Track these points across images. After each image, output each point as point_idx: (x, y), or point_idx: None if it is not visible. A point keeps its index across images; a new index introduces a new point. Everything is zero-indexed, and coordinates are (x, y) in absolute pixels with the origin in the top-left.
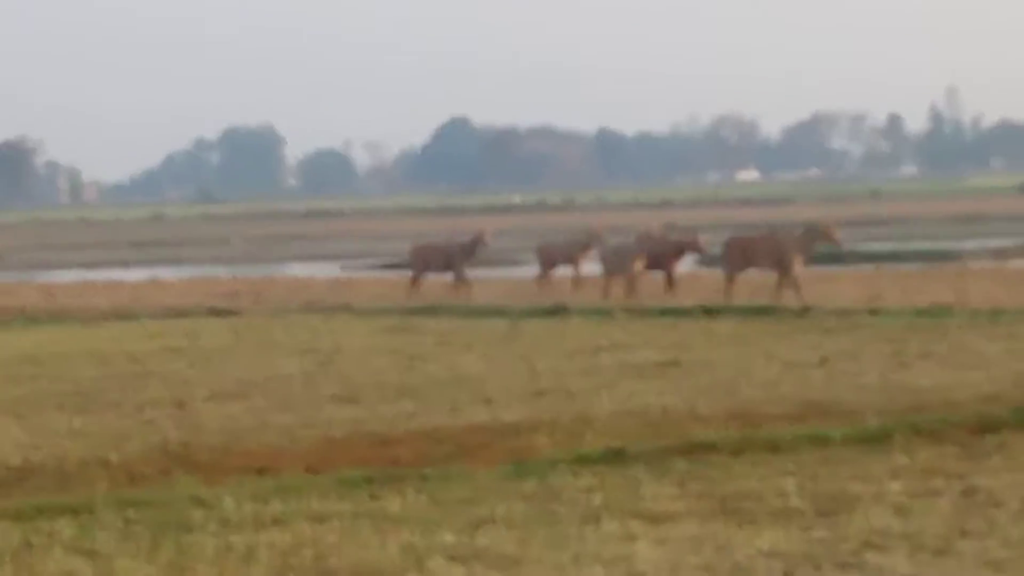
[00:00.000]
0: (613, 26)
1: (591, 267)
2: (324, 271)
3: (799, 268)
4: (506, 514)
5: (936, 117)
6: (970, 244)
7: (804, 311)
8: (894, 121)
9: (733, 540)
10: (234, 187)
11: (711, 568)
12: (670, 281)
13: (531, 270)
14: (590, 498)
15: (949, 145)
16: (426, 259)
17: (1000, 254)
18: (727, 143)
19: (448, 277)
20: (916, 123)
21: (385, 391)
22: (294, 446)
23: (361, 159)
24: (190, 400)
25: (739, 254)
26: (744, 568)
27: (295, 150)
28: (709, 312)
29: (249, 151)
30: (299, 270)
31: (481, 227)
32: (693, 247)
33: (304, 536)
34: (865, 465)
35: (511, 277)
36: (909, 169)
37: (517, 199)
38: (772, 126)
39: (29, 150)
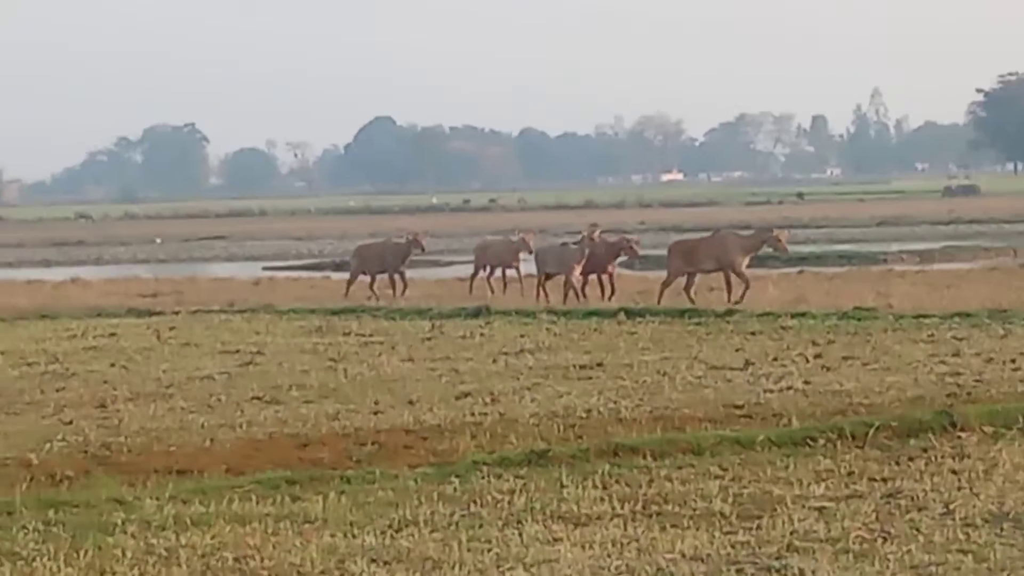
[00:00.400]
0: (538, 29)
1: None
2: (246, 271)
3: (743, 270)
4: (428, 516)
5: (861, 119)
6: (894, 247)
7: (729, 313)
8: (818, 123)
9: (656, 543)
10: (157, 186)
11: (633, 571)
12: (608, 284)
13: (453, 271)
14: (513, 500)
15: (874, 147)
16: (365, 260)
17: (924, 257)
18: (651, 144)
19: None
20: (841, 125)
21: (307, 392)
22: (216, 447)
23: (284, 158)
24: (111, 401)
25: (683, 256)
26: (666, 571)
27: (218, 149)
28: (632, 314)
29: (172, 150)
30: (221, 270)
31: (416, 229)
32: (629, 250)
33: (225, 538)
34: (788, 468)
35: (434, 278)
36: (834, 171)
37: (434, 200)
38: (697, 128)
39: None
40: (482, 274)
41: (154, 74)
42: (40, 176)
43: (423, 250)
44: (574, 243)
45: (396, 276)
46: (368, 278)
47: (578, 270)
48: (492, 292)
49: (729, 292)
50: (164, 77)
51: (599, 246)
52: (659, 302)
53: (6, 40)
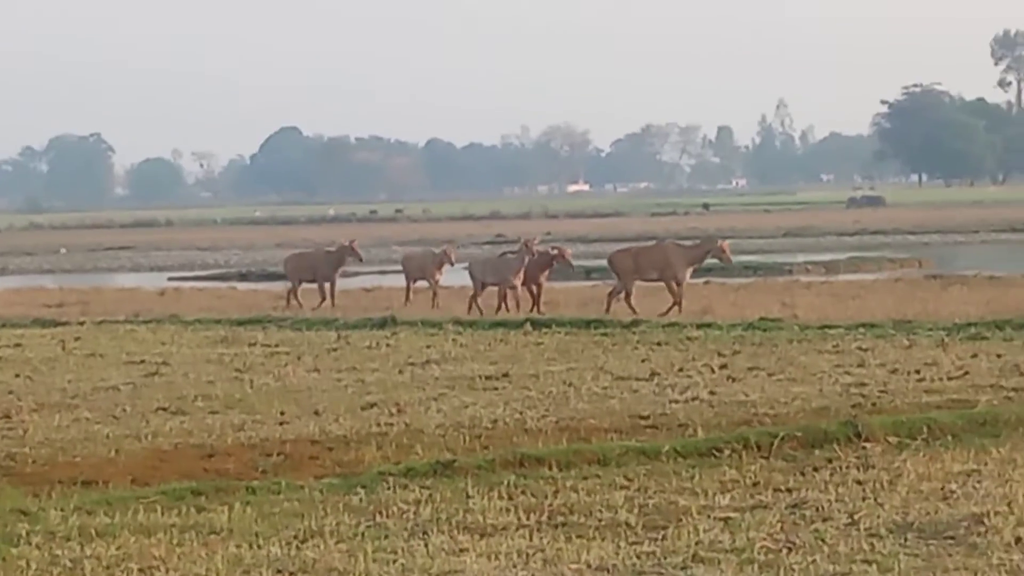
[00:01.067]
0: (445, 39)
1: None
2: (152, 281)
3: (685, 279)
4: (334, 527)
5: (766, 130)
6: (800, 258)
7: (634, 324)
8: (724, 134)
9: (562, 553)
10: (62, 196)
11: None
12: (538, 294)
13: (359, 281)
14: (419, 511)
15: (779, 158)
16: (297, 268)
17: (829, 268)
18: (558, 155)
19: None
20: (746, 136)
21: (213, 403)
22: (121, 458)
23: (190, 168)
24: (15, 411)
25: (627, 265)
26: None
27: (124, 159)
28: (538, 325)
29: (77, 160)
30: (127, 280)
31: (351, 237)
32: (562, 260)
33: (130, 549)
34: (694, 478)
35: (340, 288)
36: (740, 182)
37: (331, 211)
38: (603, 138)
39: None
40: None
41: (60, 83)
42: None
43: (360, 259)
44: (511, 253)
45: (327, 285)
46: (299, 286)
47: (519, 280)
48: (407, 302)
49: (675, 302)
50: (70, 86)
51: (517, 259)
52: (607, 311)
53: None
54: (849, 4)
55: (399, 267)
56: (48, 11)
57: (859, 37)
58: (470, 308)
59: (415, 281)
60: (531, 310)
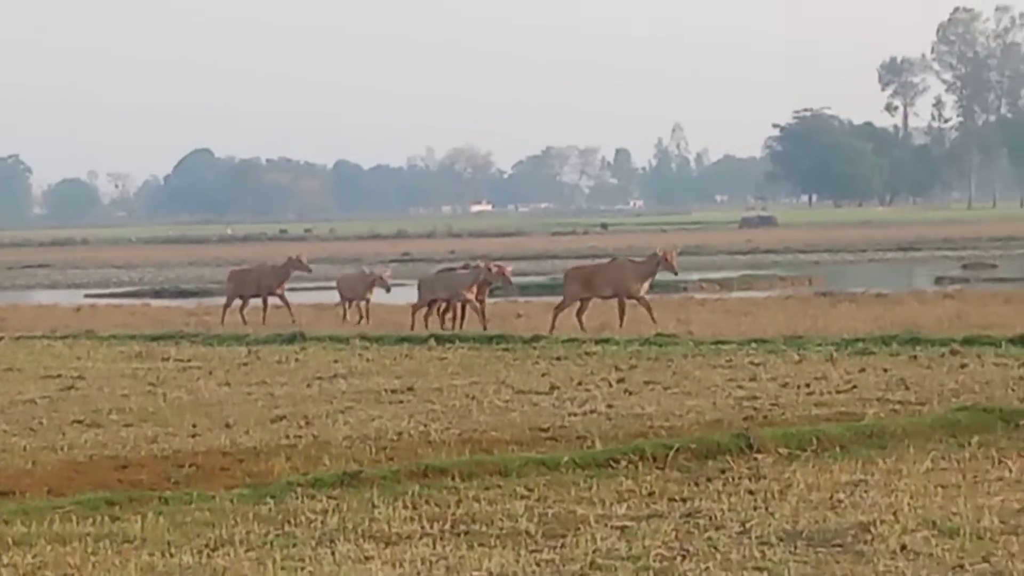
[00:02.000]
0: (353, 62)
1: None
2: (69, 298)
3: (642, 294)
4: (244, 536)
5: (662, 153)
6: (694, 275)
7: (535, 339)
8: (622, 156)
9: (464, 561)
10: None
11: None
12: (482, 311)
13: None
14: (326, 520)
15: (675, 180)
16: (241, 284)
17: (723, 285)
18: (461, 176)
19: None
20: (643, 158)
21: (127, 416)
22: (37, 469)
23: (106, 189)
24: None
25: (581, 282)
26: None
27: (41, 180)
28: (441, 340)
29: None
30: (44, 297)
31: (298, 252)
32: (503, 277)
33: (47, 557)
34: (592, 489)
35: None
36: (637, 203)
37: (229, 231)
38: (505, 160)
39: None
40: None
41: None
42: None
43: (308, 270)
44: (462, 268)
45: (277, 298)
46: (244, 301)
47: (471, 294)
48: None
49: (622, 318)
50: None
51: (471, 274)
52: (552, 329)
53: None
54: (742, 30)
55: (308, 284)
56: None
57: (752, 63)
58: (413, 324)
59: (349, 303)
60: (459, 326)
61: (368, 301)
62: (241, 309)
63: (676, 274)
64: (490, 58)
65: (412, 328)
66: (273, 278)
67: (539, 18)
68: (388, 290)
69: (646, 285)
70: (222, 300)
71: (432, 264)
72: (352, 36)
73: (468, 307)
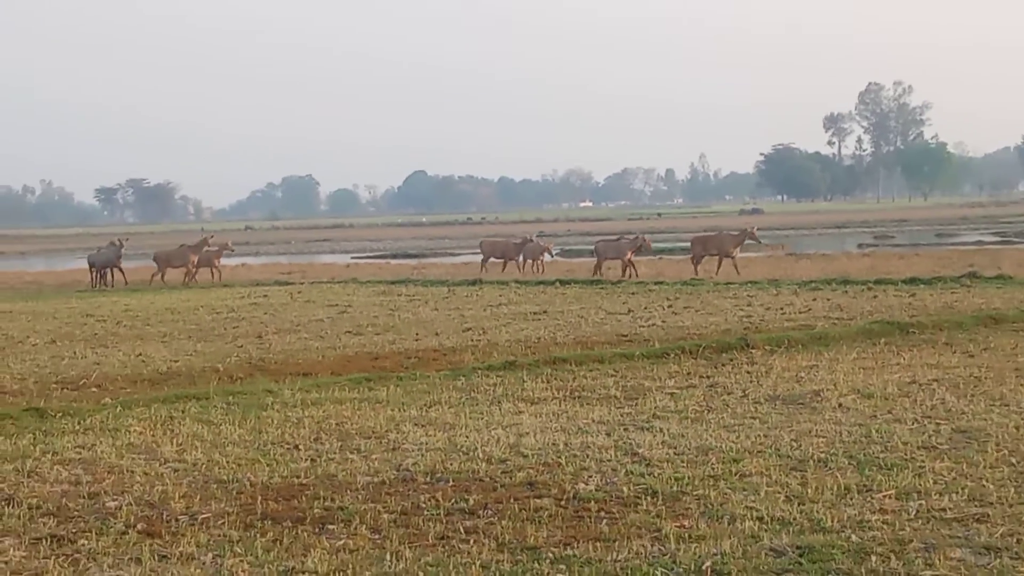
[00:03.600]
0: (503, 114)
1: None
2: (341, 260)
3: (735, 255)
4: (447, 398)
5: (694, 170)
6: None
7: (619, 282)
8: (669, 173)
9: (578, 413)
10: (291, 211)
11: (565, 429)
12: (634, 266)
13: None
14: (495, 390)
15: (701, 187)
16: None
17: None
18: (574, 185)
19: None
20: (682, 174)
21: (377, 327)
22: (325, 360)
23: (363, 194)
24: (264, 333)
25: (700, 245)
26: (583, 429)
27: (325, 189)
28: (564, 283)
29: (301, 190)
30: (327, 259)
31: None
32: (646, 244)
33: (330, 411)
34: (653, 370)
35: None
36: (679, 201)
37: (424, 219)
38: (600, 175)
39: None
40: (493, 260)
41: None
42: None
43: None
44: (625, 238)
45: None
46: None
47: (630, 255)
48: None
49: (737, 270)
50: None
51: (630, 242)
52: (695, 274)
53: None
54: (742, 95)
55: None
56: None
57: (746, 115)
58: (595, 273)
59: (531, 260)
60: (632, 275)
61: (512, 259)
62: (485, 266)
63: (759, 243)
64: (592, 107)
65: (597, 273)
66: (515, 250)
67: (611, 79)
68: (552, 255)
69: (738, 250)
70: (434, 260)
71: (558, 239)
72: (500, 93)
73: (629, 264)
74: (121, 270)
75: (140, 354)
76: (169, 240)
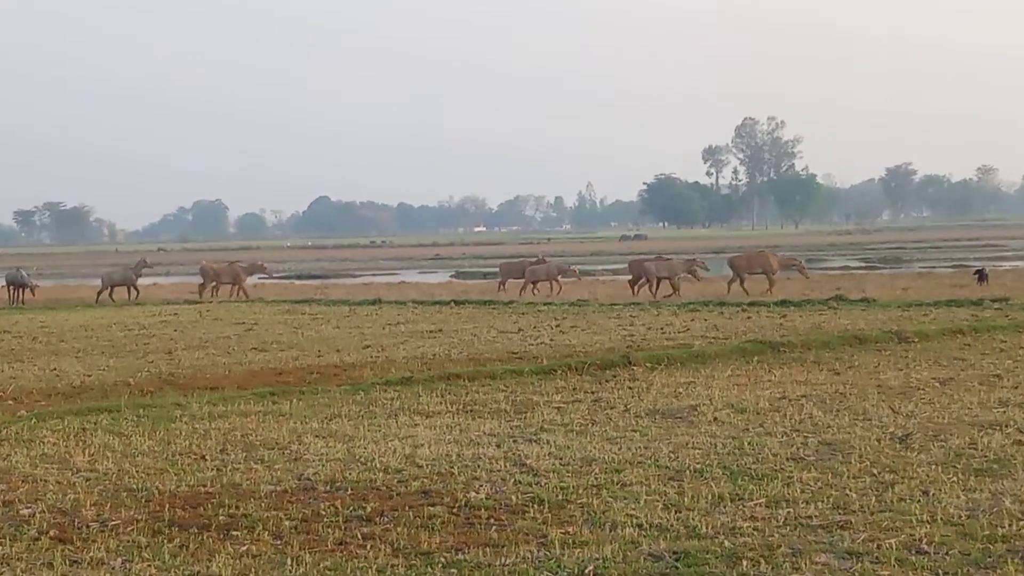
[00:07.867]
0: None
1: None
2: (251, 280)
3: (776, 272)
4: (347, 412)
5: (581, 198)
6: (600, 266)
7: (511, 302)
8: (559, 201)
9: (470, 426)
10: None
11: (458, 441)
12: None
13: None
14: (392, 404)
15: (588, 214)
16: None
17: (615, 272)
18: (469, 211)
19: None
20: (570, 201)
21: (281, 344)
22: (230, 375)
23: (270, 219)
24: (174, 349)
25: (742, 264)
26: (474, 441)
27: (233, 213)
28: (458, 303)
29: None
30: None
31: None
32: (695, 270)
33: (236, 424)
34: (541, 386)
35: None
36: (567, 227)
37: (309, 243)
38: (493, 201)
39: None
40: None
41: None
42: None
43: (574, 276)
44: (663, 259)
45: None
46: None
47: (680, 277)
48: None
49: (771, 287)
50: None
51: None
52: (728, 292)
53: None
54: (614, 132)
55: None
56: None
57: (630, 146)
58: (649, 291)
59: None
60: (669, 295)
61: (557, 281)
62: (503, 286)
63: (807, 278)
64: (486, 139)
65: (634, 293)
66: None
67: (505, 120)
68: (578, 276)
69: (778, 268)
70: (336, 281)
71: (455, 261)
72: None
73: (673, 281)
74: (136, 288)
75: (55, 369)
76: (85, 261)
